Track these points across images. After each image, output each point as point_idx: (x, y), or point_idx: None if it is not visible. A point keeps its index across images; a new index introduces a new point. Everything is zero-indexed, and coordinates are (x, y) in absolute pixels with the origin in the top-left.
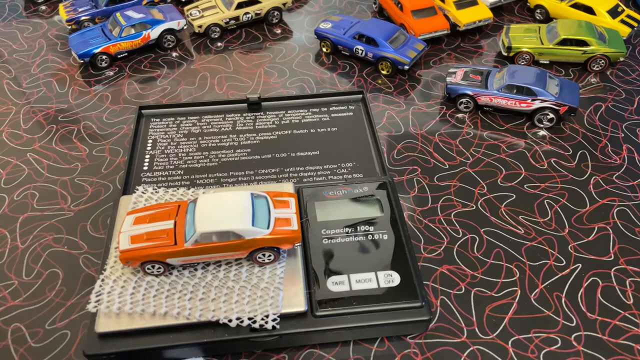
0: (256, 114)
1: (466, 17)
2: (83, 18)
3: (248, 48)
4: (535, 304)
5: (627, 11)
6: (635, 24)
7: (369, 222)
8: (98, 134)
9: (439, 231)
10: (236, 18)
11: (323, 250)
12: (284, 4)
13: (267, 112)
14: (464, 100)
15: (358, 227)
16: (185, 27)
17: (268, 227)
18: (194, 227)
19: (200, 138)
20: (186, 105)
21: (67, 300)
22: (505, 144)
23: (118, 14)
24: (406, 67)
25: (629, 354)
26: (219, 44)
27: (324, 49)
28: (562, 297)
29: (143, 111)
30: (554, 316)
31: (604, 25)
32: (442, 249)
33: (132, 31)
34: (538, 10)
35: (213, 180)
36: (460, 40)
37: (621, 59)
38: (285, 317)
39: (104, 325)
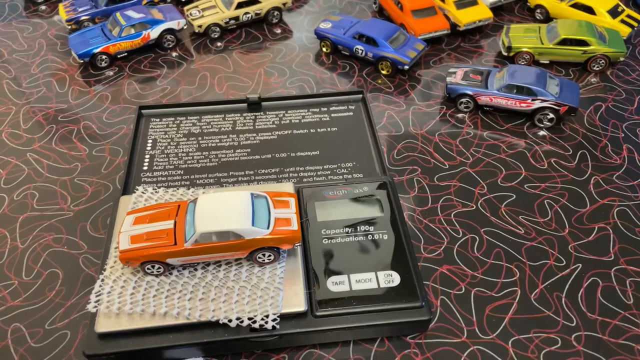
0: (256, 114)
1: (466, 17)
2: (83, 18)
3: (248, 48)
4: (535, 304)
5: (627, 11)
6: (635, 24)
7: (369, 222)
8: (98, 134)
9: (439, 231)
10: (236, 18)
11: (323, 250)
12: (284, 4)
13: (267, 112)
14: (464, 100)
15: (358, 227)
16: (185, 27)
17: (268, 227)
18: (194, 227)
19: (200, 138)
20: (186, 105)
21: (67, 300)
22: (505, 144)
23: (118, 14)
24: (406, 67)
25: (629, 354)
26: (219, 44)
27: (324, 49)
28: (562, 297)
29: (143, 111)
30: (554, 316)
31: (604, 25)
32: (442, 249)
33: (132, 31)
34: (538, 10)
35: (213, 180)
36: (460, 40)
37: (621, 59)
38: (285, 317)
39: (103, 325)
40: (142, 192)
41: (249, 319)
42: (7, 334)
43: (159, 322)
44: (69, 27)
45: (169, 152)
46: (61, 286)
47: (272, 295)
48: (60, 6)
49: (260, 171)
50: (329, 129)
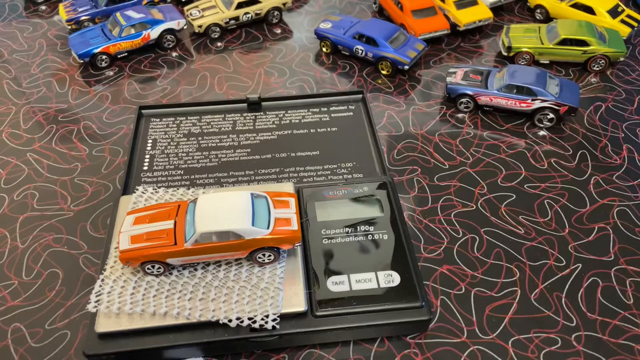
0: (256, 114)
1: (466, 17)
2: (83, 18)
3: (248, 48)
4: (535, 304)
5: (627, 11)
6: (635, 24)
7: (369, 222)
8: (98, 134)
9: (439, 231)
10: (236, 18)
11: (323, 250)
12: (284, 4)
13: (267, 112)
14: (464, 100)
15: (358, 227)
16: (185, 27)
17: (268, 227)
18: (194, 227)
19: (200, 138)
20: (186, 105)
21: (67, 300)
22: (505, 144)
23: (118, 14)
24: (406, 67)
25: (629, 354)
26: (219, 44)
27: (324, 49)
28: (562, 297)
29: (143, 111)
30: (554, 316)
31: (604, 25)
32: (442, 249)
33: (132, 31)
34: (538, 10)
35: (213, 180)
36: (460, 40)
37: (621, 59)
38: (285, 317)
39: (103, 325)
40: (142, 192)
41: (249, 319)
42: (7, 334)
43: (159, 322)
44: (69, 27)
45: (169, 152)
46: (61, 286)
47: (272, 295)
48: (60, 6)
49: (260, 171)
50: (329, 129)
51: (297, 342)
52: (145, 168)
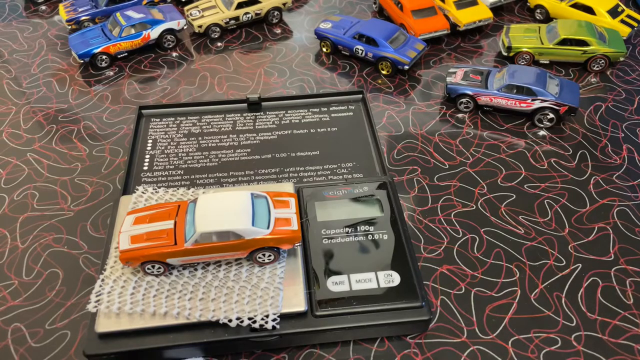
0: (256, 114)
1: (466, 17)
2: (83, 18)
3: (248, 48)
4: (535, 304)
5: (627, 11)
6: (635, 24)
7: (369, 222)
8: (98, 134)
9: (439, 231)
10: (236, 18)
11: (323, 250)
12: (284, 4)
13: (267, 112)
14: (464, 100)
15: (358, 227)
16: (185, 27)
17: (268, 227)
18: (194, 227)
19: (200, 138)
20: (186, 105)
21: (67, 300)
22: (505, 144)
23: (118, 14)
24: (406, 67)
25: (629, 354)
26: (219, 44)
27: (324, 49)
28: (562, 297)
29: (143, 111)
30: (554, 316)
31: (604, 25)
32: (442, 249)
33: (132, 31)
34: (538, 10)
35: (213, 180)
36: (460, 40)
37: (621, 59)
38: (285, 317)
39: (104, 325)
40: (142, 192)
41: (249, 318)
42: (7, 334)
43: (159, 322)
44: (69, 27)
45: (169, 152)
46: (61, 286)
47: (272, 295)
48: (61, 6)
49: (260, 171)
50: (329, 129)
51: (297, 342)
52: (145, 168)
